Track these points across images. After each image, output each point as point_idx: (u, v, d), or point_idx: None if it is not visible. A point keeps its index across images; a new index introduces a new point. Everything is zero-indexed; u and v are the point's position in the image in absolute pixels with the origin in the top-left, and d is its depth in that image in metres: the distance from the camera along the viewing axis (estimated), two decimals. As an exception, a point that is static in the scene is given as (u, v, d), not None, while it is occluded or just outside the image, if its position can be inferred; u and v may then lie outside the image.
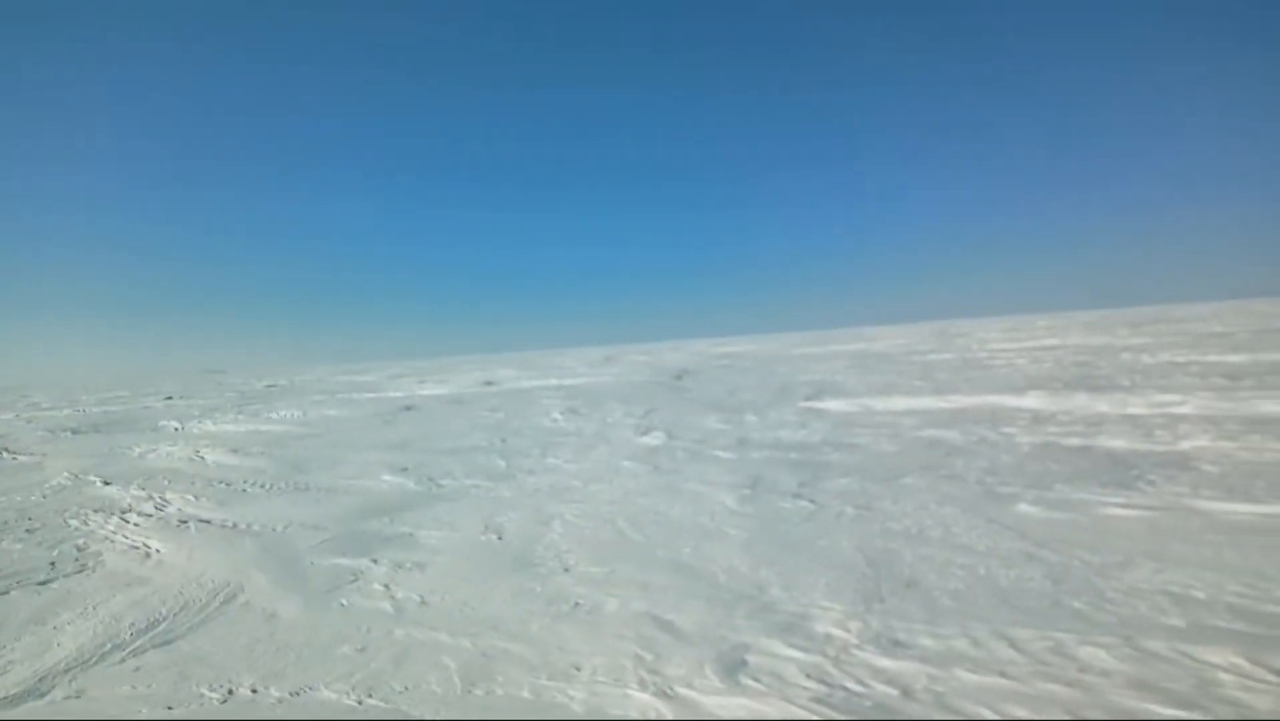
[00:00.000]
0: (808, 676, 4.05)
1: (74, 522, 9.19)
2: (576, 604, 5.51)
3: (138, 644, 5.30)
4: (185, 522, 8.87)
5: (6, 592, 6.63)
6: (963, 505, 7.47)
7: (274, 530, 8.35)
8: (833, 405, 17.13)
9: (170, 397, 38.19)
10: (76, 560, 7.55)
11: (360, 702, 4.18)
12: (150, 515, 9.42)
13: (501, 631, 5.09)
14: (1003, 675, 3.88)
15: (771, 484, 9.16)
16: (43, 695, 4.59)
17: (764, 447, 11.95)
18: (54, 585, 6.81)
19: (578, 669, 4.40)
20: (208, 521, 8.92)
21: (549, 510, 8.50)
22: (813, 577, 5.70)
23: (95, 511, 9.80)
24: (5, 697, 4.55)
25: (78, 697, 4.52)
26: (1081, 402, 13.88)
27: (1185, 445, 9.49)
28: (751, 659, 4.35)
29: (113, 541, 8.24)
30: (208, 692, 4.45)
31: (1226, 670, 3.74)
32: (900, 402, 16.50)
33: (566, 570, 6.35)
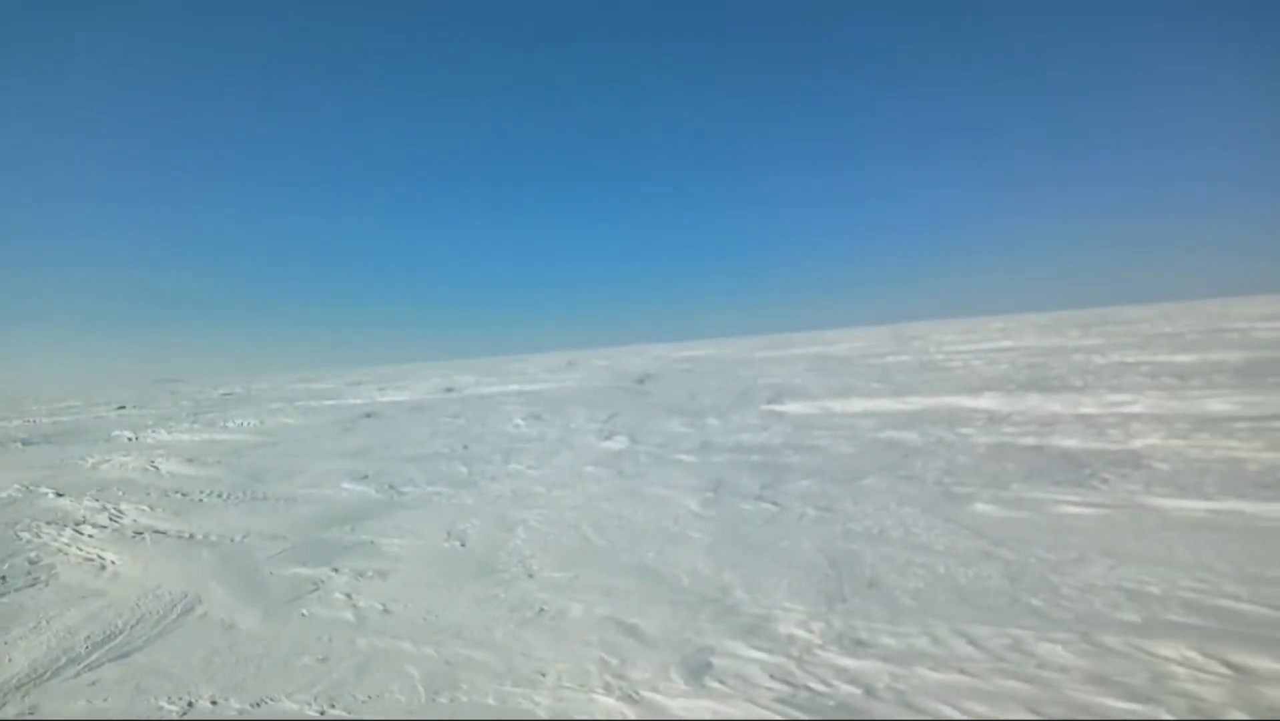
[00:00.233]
0: (771, 677, 4.08)
1: (25, 535, 8.96)
2: (541, 609, 5.50)
3: (93, 657, 5.19)
4: (141, 534, 8.69)
5: (-47, 609, 6.46)
6: (922, 505, 7.58)
7: (232, 540, 8.21)
8: (793, 408, 17.26)
9: (123, 407, 37.35)
10: (29, 573, 7.37)
11: (322, 713, 4.13)
12: (105, 526, 9.22)
13: (465, 638, 5.06)
14: (963, 672, 3.95)
15: (734, 487, 9.22)
16: (-8, 713, 4.48)
17: (726, 451, 12.01)
18: (5, 599, 6.64)
19: (542, 674, 4.39)
20: (164, 532, 8.75)
21: (512, 516, 8.46)
22: (776, 579, 5.74)
23: (48, 524, 9.56)
24: (-47, 716, 4.43)
25: (31, 714, 4.41)
26: (1036, 403, 14.14)
27: (1137, 443, 9.71)
28: (716, 661, 4.38)
29: (66, 554, 8.05)
30: (166, 705, 4.37)
31: (1180, 663, 3.84)
32: (859, 405, 16.68)
33: (530, 576, 6.33)
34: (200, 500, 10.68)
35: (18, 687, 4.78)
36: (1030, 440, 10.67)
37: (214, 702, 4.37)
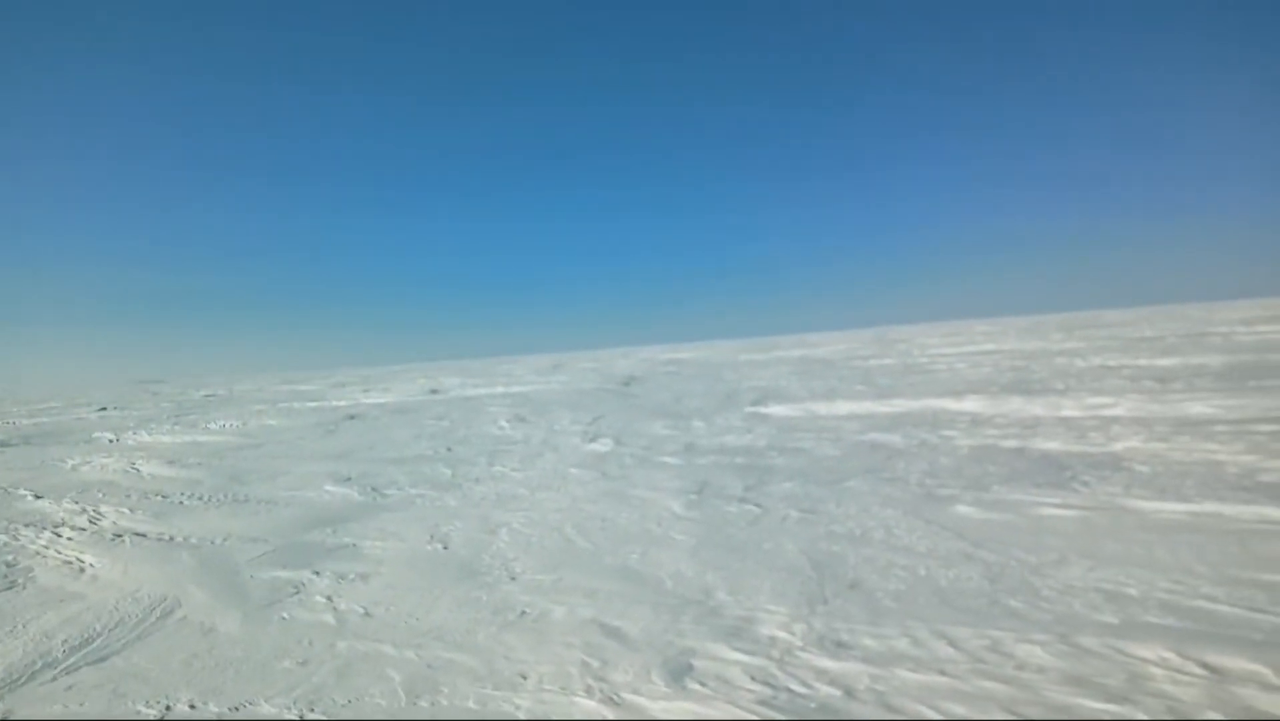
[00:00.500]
0: (752, 679, 4.09)
1: (3, 538, 8.86)
2: (523, 612, 5.48)
3: (70, 661, 5.13)
4: (120, 536, 8.62)
5: (-72, 612, 6.38)
6: (904, 507, 7.61)
7: (212, 543, 8.16)
8: (777, 410, 17.32)
9: (104, 408, 37.03)
10: (5, 576, 7.28)
11: (302, 716, 4.10)
12: (84, 529, 9.13)
13: (447, 641, 5.04)
14: (942, 673, 3.96)
15: (718, 489, 9.23)
16: (-34, 718, 4.43)
17: (710, 453, 12.03)
18: (-20, 603, 6.57)
19: (524, 677, 4.38)
20: (143, 535, 8.68)
21: (496, 519, 8.45)
22: (758, 581, 5.76)
23: (26, 526, 9.46)
24: (-74, 721, 4.38)
25: (5, 718, 4.36)
26: (1018, 406, 14.24)
27: (1117, 446, 9.79)
28: (697, 663, 4.38)
29: (44, 556, 7.97)
30: (144, 710, 4.33)
31: (1157, 664, 3.87)
32: (843, 407, 16.75)
33: (513, 578, 6.31)
34: (181, 502, 10.60)
35: (-8, 692, 4.73)
36: (1012, 442, 10.74)
37: (192, 706, 4.34)
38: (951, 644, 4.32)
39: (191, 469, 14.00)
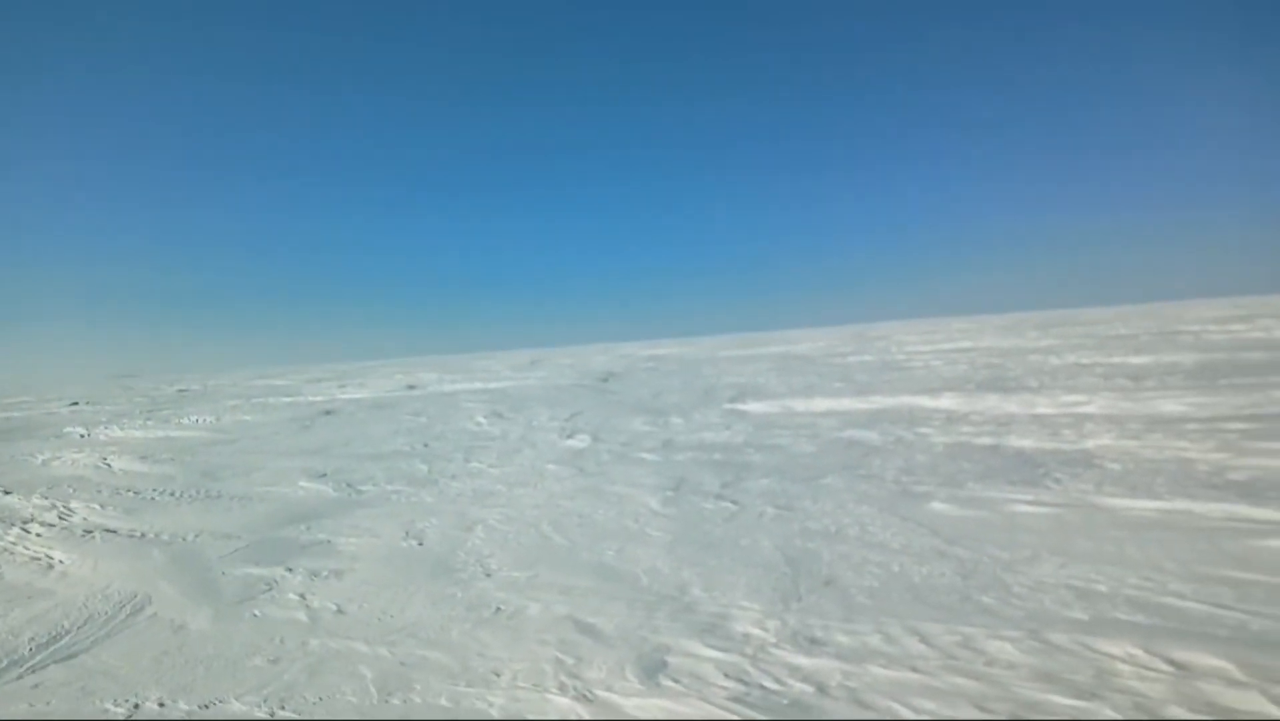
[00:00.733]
0: (726, 676, 4.10)
1: (-32, 535, 8.74)
2: (498, 609, 5.47)
3: (37, 659, 5.07)
4: (90, 532, 8.52)
5: (-109, 610, 6.27)
6: (879, 504, 7.66)
7: (184, 539, 8.08)
8: (755, 407, 17.36)
9: (76, 403, 36.58)
10: (-30, 574, 7.19)
11: (272, 715, 4.07)
12: (53, 525, 9.02)
13: (420, 638, 5.02)
14: (913, 669, 3.99)
15: (695, 485, 9.25)
16: (-71, 717, 4.36)
17: (688, 449, 12.06)
18: (-55, 601, 6.47)
19: (497, 674, 4.36)
20: (114, 531, 8.58)
21: (471, 515, 8.42)
22: (733, 578, 5.77)
23: (-8, 522, 9.34)
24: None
25: (-32, 718, 4.30)
26: (993, 403, 14.35)
27: (1090, 444, 9.89)
28: (671, 660, 4.38)
29: (12, 553, 7.87)
30: (112, 707, 4.29)
31: (1124, 660, 3.91)
32: (820, 404, 16.83)
33: (488, 575, 6.29)
34: (153, 498, 10.49)
35: (-44, 691, 4.66)
36: (987, 440, 10.83)
37: (161, 704, 4.29)
38: (924, 640, 4.35)
39: (164, 464, 13.87)
